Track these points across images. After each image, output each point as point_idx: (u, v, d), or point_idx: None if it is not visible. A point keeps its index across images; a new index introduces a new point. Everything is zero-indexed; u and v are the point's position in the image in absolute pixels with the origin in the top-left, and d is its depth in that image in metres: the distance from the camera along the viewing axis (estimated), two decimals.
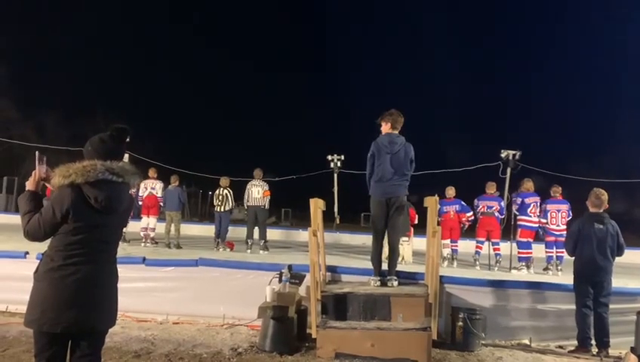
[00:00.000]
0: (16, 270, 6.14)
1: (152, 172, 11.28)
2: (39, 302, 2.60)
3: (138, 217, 11.36)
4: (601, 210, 5.95)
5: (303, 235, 14.52)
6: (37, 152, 2.84)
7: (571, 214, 9.09)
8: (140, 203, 11.08)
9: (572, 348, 5.89)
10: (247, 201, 10.64)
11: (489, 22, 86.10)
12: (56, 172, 2.65)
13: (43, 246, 2.72)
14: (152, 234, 10.99)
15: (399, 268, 6.46)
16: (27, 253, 6.43)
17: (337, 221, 18.33)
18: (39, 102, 37.60)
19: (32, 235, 2.65)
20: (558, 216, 9.06)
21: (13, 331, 5.30)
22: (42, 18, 47.73)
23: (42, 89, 40.89)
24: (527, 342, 6.17)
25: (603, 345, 5.66)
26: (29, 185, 2.77)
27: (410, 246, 9.73)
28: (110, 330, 2.92)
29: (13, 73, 33.70)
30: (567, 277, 6.71)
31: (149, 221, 11.00)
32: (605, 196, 5.98)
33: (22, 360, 4.42)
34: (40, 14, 48.93)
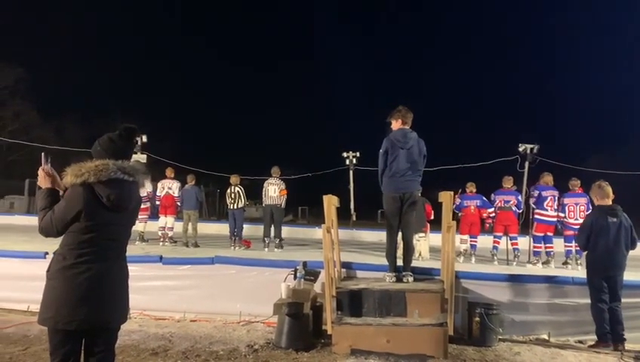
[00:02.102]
0: (36, 270, 6.19)
1: (169, 172, 11.36)
2: (53, 300, 2.65)
3: (156, 217, 11.49)
4: (610, 202, 5.86)
5: (319, 233, 14.43)
6: (43, 153, 2.91)
7: (591, 207, 8.93)
8: (158, 202, 11.19)
9: (592, 343, 5.81)
10: (265, 200, 10.65)
11: (500, 12, 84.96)
12: (68, 171, 2.69)
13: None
14: (170, 234, 11.08)
15: (415, 263, 6.44)
16: (47, 253, 6.53)
17: (353, 218, 18.32)
18: (58, 106, 38.37)
19: (46, 231, 2.71)
20: (577, 209, 8.91)
21: (35, 330, 5.40)
22: (59, 22, 48.58)
23: (61, 92, 41.77)
24: (545, 337, 6.11)
25: (619, 339, 5.58)
26: (41, 183, 2.82)
27: (426, 241, 9.66)
28: (128, 328, 2.97)
29: (33, 78, 34.45)
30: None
31: (166, 220, 11.08)
32: (609, 187, 5.89)
33: (42, 358, 4.52)
34: (57, 18, 49.72)
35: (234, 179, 10.94)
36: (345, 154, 18.53)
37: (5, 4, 36.80)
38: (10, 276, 6.67)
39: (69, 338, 2.68)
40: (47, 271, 2.73)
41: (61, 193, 2.79)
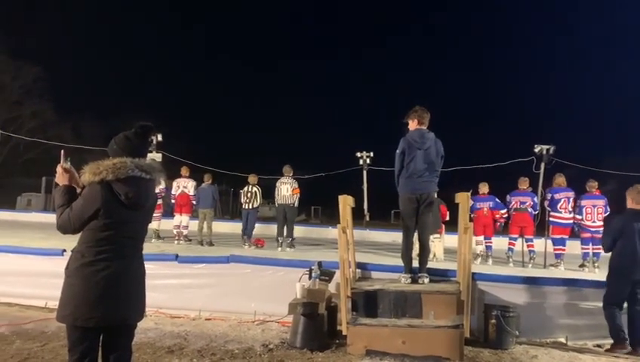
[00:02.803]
0: (54, 267, 6.26)
1: (184, 170, 11.44)
2: (72, 297, 2.67)
3: (171, 215, 11.56)
4: None
5: (333, 233, 14.52)
6: (62, 151, 2.95)
7: (608, 209, 8.83)
8: (173, 201, 11.27)
9: (609, 347, 5.73)
10: (277, 199, 10.66)
11: (514, 13, 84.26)
12: (86, 169, 2.71)
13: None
14: (185, 232, 11.16)
15: (430, 265, 6.38)
16: (64, 250, 6.59)
17: (367, 218, 18.27)
18: (74, 105, 38.89)
19: (63, 228, 2.73)
20: (594, 211, 8.82)
21: (52, 326, 5.45)
22: (77, 23, 49.20)
23: (77, 92, 42.31)
24: (563, 340, 6.02)
25: (638, 343, 5.50)
26: (59, 180, 2.84)
27: (441, 243, 9.61)
28: (144, 326, 2.98)
29: (51, 77, 34.93)
30: (603, 274, 6.52)
31: (181, 219, 11.16)
32: None
33: (60, 354, 4.56)
34: (75, 20, 50.45)
35: (252, 178, 10.96)
36: (358, 154, 18.47)
37: (24, 3, 37.39)
38: (29, 273, 6.73)
39: (87, 335, 2.70)
40: (66, 268, 2.75)
41: (78, 191, 2.80)
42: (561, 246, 8.93)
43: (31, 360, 4.49)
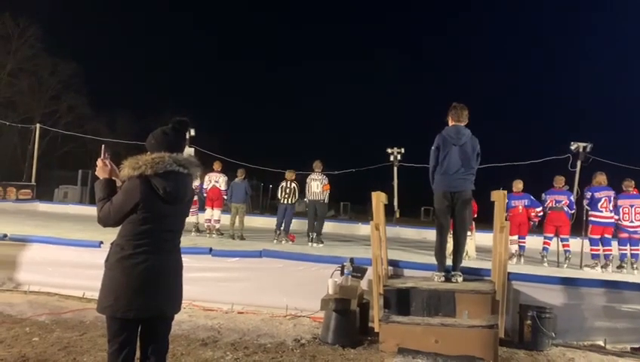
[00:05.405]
0: (91, 259, 6.45)
1: (216, 165, 11.58)
2: (112, 289, 2.73)
3: (202, 209, 11.73)
4: None
5: (362, 229, 14.55)
6: (103, 146, 3.03)
7: None
8: (205, 195, 11.43)
9: (637, 346, 5.56)
10: (308, 195, 10.66)
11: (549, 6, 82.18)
12: (126, 164, 2.77)
13: (115, 236, 2.85)
14: (217, 226, 11.30)
15: (463, 263, 6.29)
16: (102, 242, 6.75)
17: (397, 215, 18.13)
18: (111, 100, 39.81)
19: (103, 221, 2.80)
20: (632, 211, 8.58)
21: (90, 316, 5.59)
22: (115, 21, 50.28)
23: (114, 87, 43.29)
24: (601, 343, 5.86)
25: None
26: (99, 173, 2.90)
27: (472, 240, 9.47)
28: (178, 318, 3.02)
29: (87, 72, 35.84)
30: None
31: (213, 213, 11.30)
32: None
33: (98, 343, 4.67)
34: (113, 18, 51.60)
35: (289, 174, 10.96)
36: (389, 150, 18.30)
37: (61, 3, 38.41)
38: (67, 263, 6.90)
39: (126, 327, 2.76)
40: (106, 261, 2.81)
41: (118, 184, 2.86)
42: (603, 247, 8.72)
43: (70, 349, 4.59)
